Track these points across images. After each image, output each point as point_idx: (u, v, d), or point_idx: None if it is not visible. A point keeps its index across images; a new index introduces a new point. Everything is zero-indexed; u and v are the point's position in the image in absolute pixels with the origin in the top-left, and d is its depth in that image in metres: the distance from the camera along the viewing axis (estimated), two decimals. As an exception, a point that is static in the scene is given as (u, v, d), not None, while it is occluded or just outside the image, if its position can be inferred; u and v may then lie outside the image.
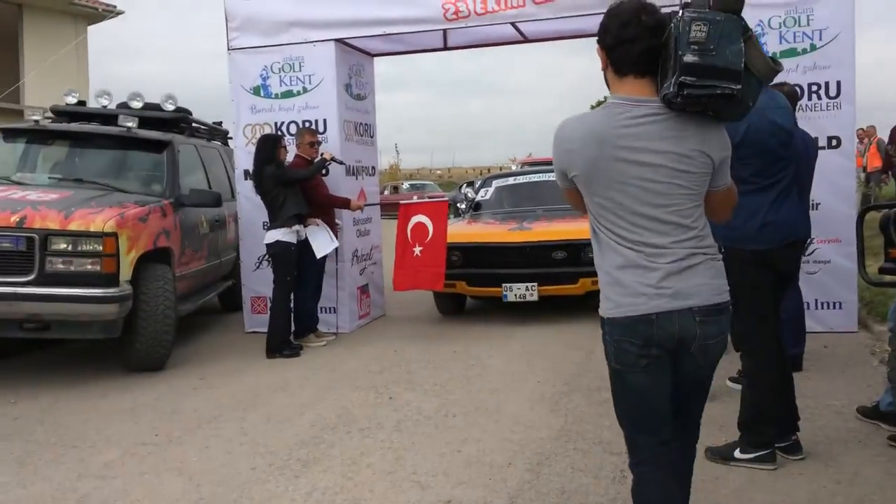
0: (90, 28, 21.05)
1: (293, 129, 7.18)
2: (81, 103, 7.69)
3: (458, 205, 9.35)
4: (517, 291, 7.14)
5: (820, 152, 5.09)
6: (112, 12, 20.68)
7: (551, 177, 9.21)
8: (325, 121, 7.18)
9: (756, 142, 3.23)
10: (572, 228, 7.18)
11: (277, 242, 6.34)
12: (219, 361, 6.23)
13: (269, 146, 6.47)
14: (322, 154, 6.70)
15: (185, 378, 5.69)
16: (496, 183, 9.39)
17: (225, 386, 5.44)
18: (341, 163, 6.96)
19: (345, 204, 6.91)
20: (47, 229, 5.28)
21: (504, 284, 7.17)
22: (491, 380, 5.33)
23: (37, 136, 7.04)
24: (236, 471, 3.79)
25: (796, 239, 3.50)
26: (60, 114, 7.55)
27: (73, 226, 5.33)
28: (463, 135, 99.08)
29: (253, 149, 6.74)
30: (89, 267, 5.35)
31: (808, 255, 5.94)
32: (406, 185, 31.61)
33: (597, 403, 4.63)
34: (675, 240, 2.12)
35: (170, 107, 7.60)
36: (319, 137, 6.92)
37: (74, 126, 7.11)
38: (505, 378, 5.36)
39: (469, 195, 9.36)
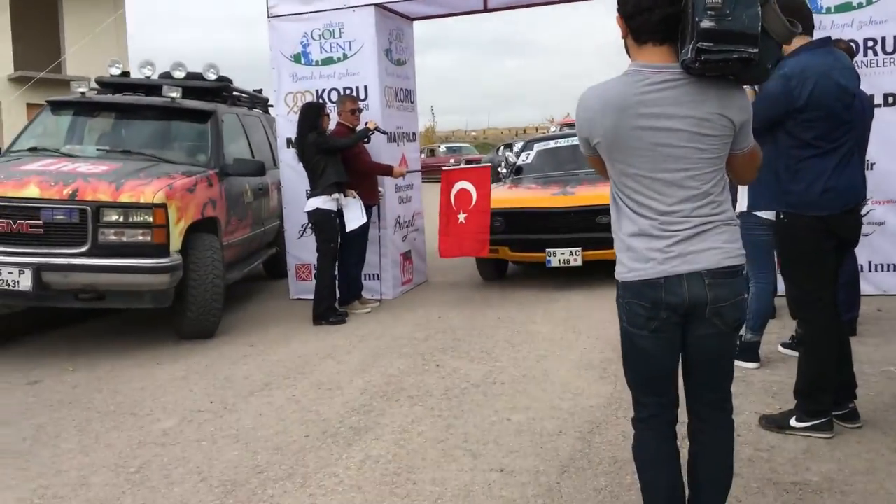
0: (127, -4, 21.17)
1: (334, 96, 7.16)
2: (125, 74, 7.76)
3: (499, 169, 9.28)
4: (561, 256, 7.10)
5: (875, 110, 4.93)
6: (149, -21, 20.72)
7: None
8: (365, 87, 7.15)
9: (821, 105, 3.12)
10: (616, 192, 7.07)
11: (317, 210, 6.37)
12: (266, 329, 6.33)
13: (312, 114, 6.47)
14: (366, 123, 6.68)
15: (234, 345, 5.80)
16: (537, 146, 9.29)
17: (274, 353, 5.53)
18: (385, 132, 6.92)
19: (387, 171, 6.90)
20: (99, 201, 5.37)
21: (547, 249, 7.13)
22: (537, 346, 5.34)
23: (83, 107, 7.13)
24: (291, 438, 3.86)
25: (856, 204, 3.41)
26: (105, 85, 7.63)
27: (124, 197, 5.42)
28: (497, 96, 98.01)
29: (295, 117, 6.75)
30: (140, 238, 5.44)
31: (863, 216, 5.78)
32: (443, 147, 31.48)
33: (646, 370, 4.60)
34: (693, 206, 2.16)
35: (212, 76, 7.63)
36: (360, 104, 6.89)
37: (120, 97, 7.19)
38: (551, 344, 5.36)
39: (510, 159, 9.27)
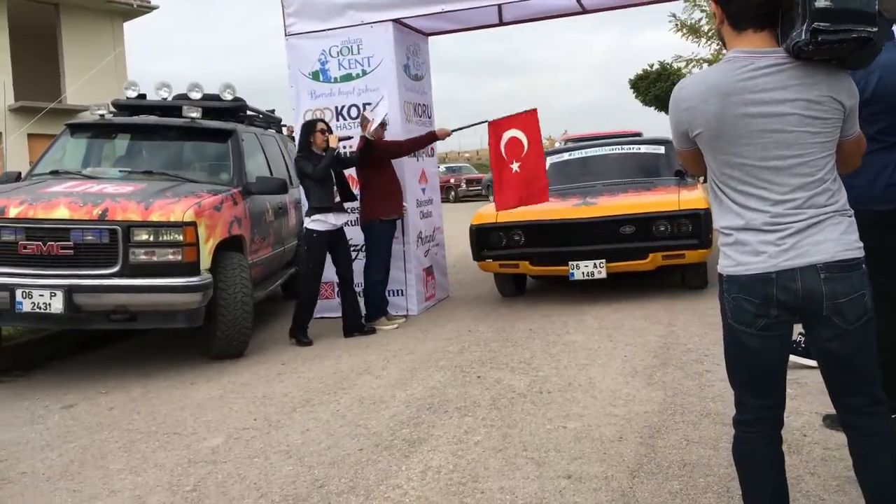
0: (125, 24, 21.25)
1: (353, 112, 7.16)
2: (142, 97, 7.74)
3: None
4: (585, 269, 7.02)
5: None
6: (147, 8, 20.81)
7: (608, 151, 9.09)
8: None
9: (886, 98, 3.11)
10: (639, 202, 7.07)
11: (304, 230, 6.40)
12: (295, 347, 6.26)
13: (302, 133, 6.46)
14: (329, 143, 6.34)
15: (267, 364, 5.73)
16: (551, 159, 9.26)
17: (308, 370, 5.46)
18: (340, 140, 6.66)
19: (430, 139, 7.05)
20: (129, 221, 5.32)
21: (570, 262, 7.05)
22: (576, 356, 5.28)
23: (103, 130, 7.10)
24: (344, 452, 3.79)
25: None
26: (121, 107, 7.60)
27: (154, 216, 5.37)
28: (487, 115, 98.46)
29: (316, 136, 6.74)
30: (171, 257, 5.39)
31: None
32: (442, 167, 31.47)
33: (696, 375, 4.55)
34: (808, 195, 2.07)
35: (228, 96, 7.62)
36: (387, 119, 6.84)
37: (140, 118, 7.16)
38: (590, 354, 5.31)
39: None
